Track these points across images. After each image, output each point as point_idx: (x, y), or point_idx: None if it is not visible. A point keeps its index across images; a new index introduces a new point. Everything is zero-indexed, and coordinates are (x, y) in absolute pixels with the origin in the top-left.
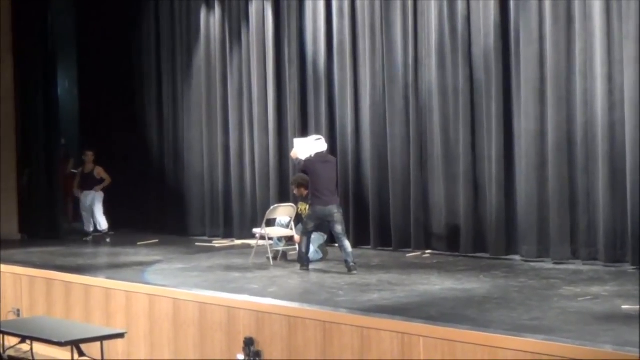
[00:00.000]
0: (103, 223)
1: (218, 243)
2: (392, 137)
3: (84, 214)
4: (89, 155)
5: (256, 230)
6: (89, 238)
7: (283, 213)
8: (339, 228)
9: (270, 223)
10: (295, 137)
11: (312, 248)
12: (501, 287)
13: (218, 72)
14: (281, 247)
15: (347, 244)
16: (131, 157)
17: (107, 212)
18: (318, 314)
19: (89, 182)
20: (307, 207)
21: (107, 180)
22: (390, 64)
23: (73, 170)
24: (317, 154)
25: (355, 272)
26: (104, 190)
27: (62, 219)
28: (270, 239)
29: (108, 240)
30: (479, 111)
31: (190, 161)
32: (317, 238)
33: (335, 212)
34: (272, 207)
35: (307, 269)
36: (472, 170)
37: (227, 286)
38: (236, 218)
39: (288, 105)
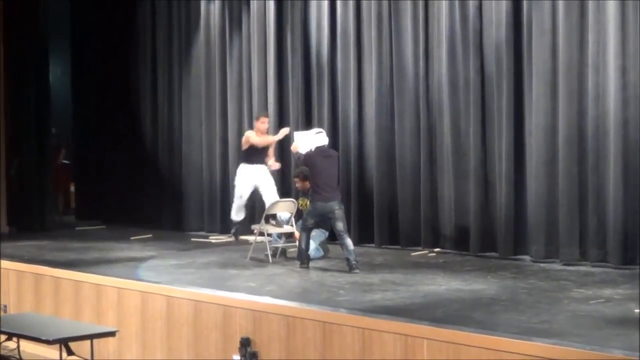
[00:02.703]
0: None
1: (215, 239)
2: (399, 130)
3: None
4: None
5: (254, 227)
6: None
7: (283, 209)
8: (340, 225)
9: (269, 219)
10: (296, 129)
11: (312, 245)
12: (509, 288)
13: (217, 61)
14: (280, 244)
15: (349, 242)
16: (125, 147)
17: (100, 205)
18: (318, 314)
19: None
20: (308, 202)
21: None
22: (398, 54)
23: (64, 161)
24: (318, 148)
25: (357, 271)
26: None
27: (52, 211)
28: (269, 235)
29: None
30: (490, 105)
31: (188, 153)
32: (318, 235)
33: (337, 208)
34: (271, 203)
35: (307, 267)
36: (482, 167)
37: (223, 284)
38: None
39: (289, 96)
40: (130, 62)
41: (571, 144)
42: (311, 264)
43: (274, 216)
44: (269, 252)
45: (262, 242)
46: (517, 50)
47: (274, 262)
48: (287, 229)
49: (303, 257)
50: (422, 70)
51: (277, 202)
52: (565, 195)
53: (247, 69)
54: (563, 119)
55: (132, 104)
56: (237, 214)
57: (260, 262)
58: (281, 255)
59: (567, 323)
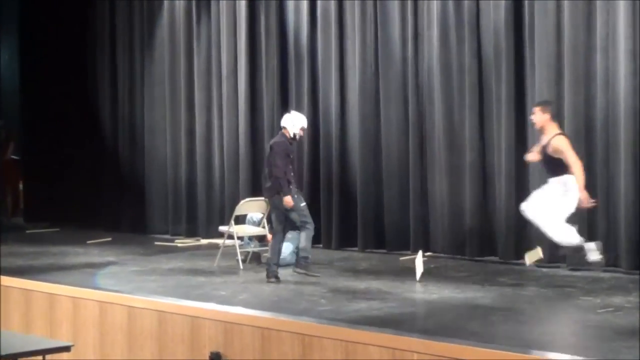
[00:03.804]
0: None
1: (181, 242)
2: (385, 121)
3: None
4: None
5: (222, 229)
6: None
7: (254, 208)
8: (294, 216)
9: (240, 220)
10: (271, 121)
11: (290, 248)
12: (509, 296)
13: (183, 45)
14: (252, 248)
15: (302, 236)
16: (81, 141)
17: (52, 206)
18: (296, 325)
19: None
20: None
21: None
22: (383, 35)
23: (13, 156)
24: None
25: (300, 271)
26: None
27: (0, 212)
28: (239, 238)
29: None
30: (488, 93)
31: (150, 147)
32: (295, 237)
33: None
34: (241, 202)
35: (276, 280)
36: (479, 161)
37: (190, 292)
38: (202, 213)
39: (263, 83)
40: (86, 46)
41: (578, 135)
42: (287, 270)
43: (244, 217)
44: (240, 257)
45: (231, 246)
46: (517, 32)
47: (245, 269)
48: (258, 230)
49: (271, 272)
50: (411, 54)
51: (248, 200)
52: None
53: (216, 53)
54: (569, 108)
55: (88, 92)
56: None
57: (231, 268)
58: (254, 260)
59: (572, 334)
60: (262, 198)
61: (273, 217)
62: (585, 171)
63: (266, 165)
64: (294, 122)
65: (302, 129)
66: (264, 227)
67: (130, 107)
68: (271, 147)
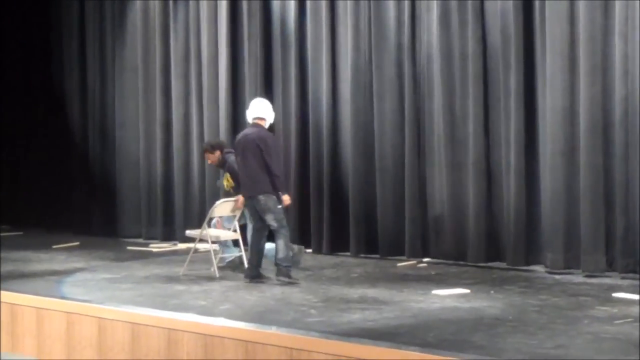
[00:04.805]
0: None
1: (156, 247)
2: (380, 113)
3: None
4: None
5: (191, 233)
6: None
7: (229, 210)
8: (269, 219)
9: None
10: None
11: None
12: (517, 306)
13: (158, 29)
14: (229, 254)
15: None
16: (46, 135)
17: (13, 207)
18: (283, 338)
19: None
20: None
21: None
22: (378, 19)
23: None
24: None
25: (284, 279)
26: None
27: None
28: (214, 242)
29: None
30: (494, 83)
31: (122, 141)
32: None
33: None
34: (217, 203)
35: (256, 280)
36: (483, 158)
37: (167, 302)
38: (179, 215)
39: (246, 72)
40: (53, 30)
41: (594, 129)
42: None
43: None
44: (216, 264)
45: (205, 251)
46: (527, 15)
47: (223, 277)
48: (231, 235)
49: (251, 273)
50: (407, 40)
51: (224, 201)
52: (587, 192)
53: (194, 37)
54: (584, 100)
55: (54, 80)
56: None
57: (211, 276)
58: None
59: (587, 347)
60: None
61: (251, 216)
62: (602, 170)
63: (249, 162)
64: (270, 111)
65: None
66: (235, 231)
67: (101, 97)
68: (262, 144)
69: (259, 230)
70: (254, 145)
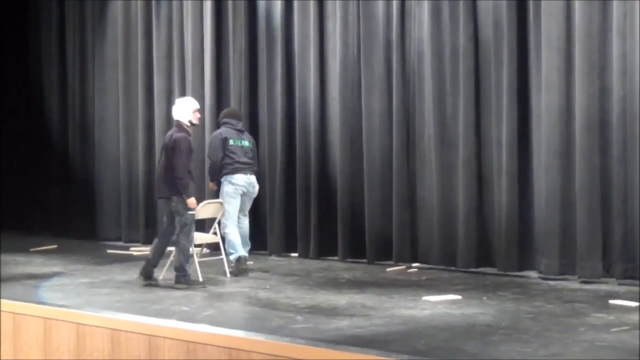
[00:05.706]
0: None
1: (137, 251)
2: (368, 112)
3: None
4: None
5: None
6: None
7: (212, 212)
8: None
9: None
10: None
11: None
12: (511, 312)
13: (140, 25)
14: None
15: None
16: (23, 133)
17: None
18: (268, 345)
19: None
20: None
21: None
22: (367, 15)
23: None
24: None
25: (182, 287)
26: None
27: None
28: (197, 246)
29: None
30: (486, 80)
31: (102, 141)
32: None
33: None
34: (200, 205)
35: (149, 281)
36: (475, 159)
37: (148, 308)
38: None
39: (231, 69)
40: (30, 24)
41: (591, 130)
42: (254, 283)
43: (202, 222)
44: (198, 268)
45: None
46: (520, 11)
47: (206, 282)
48: (210, 238)
49: (144, 271)
50: (397, 36)
51: (207, 203)
52: (583, 194)
53: (178, 33)
54: (580, 99)
55: (32, 76)
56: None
57: (194, 280)
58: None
59: (583, 356)
60: (219, 200)
61: (162, 217)
62: (599, 172)
63: (162, 163)
64: (185, 110)
65: (196, 111)
66: (215, 234)
67: (81, 94)
68: (172, 145)
69: (168, 232)
70: (169, 147)
